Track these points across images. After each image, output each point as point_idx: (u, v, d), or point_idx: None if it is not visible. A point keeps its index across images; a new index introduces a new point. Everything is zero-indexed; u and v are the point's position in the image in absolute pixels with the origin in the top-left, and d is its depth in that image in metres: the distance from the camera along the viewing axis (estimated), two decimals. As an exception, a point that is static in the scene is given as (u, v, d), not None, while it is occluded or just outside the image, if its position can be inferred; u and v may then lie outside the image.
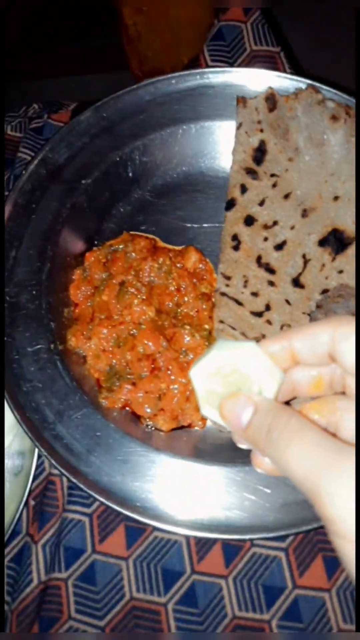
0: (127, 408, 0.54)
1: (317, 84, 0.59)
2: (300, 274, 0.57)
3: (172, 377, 0.53)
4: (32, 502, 0.55)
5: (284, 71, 0.69)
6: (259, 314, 0.55)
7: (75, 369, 0.53)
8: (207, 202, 0.64)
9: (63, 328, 0.55)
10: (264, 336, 0.54)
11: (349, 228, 0.57)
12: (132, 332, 0.55)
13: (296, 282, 0.57)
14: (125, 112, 0.62)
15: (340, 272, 0.56)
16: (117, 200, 0.64)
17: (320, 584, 0.51)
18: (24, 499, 0.54)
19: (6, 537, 0.53)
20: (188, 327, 0.56)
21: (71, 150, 0.61)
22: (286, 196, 0.59)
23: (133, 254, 0.59)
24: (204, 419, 0.54)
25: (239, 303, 0.56)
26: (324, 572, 0.51)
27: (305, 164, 0.59)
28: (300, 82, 0.60)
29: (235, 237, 0.58)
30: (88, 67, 1.67)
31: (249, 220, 0.59)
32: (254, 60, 0.70)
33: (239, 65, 0.69)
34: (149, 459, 0.48)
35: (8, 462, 0.58)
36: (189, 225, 0.64)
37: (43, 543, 0.53)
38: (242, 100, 0.60)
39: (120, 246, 0.60)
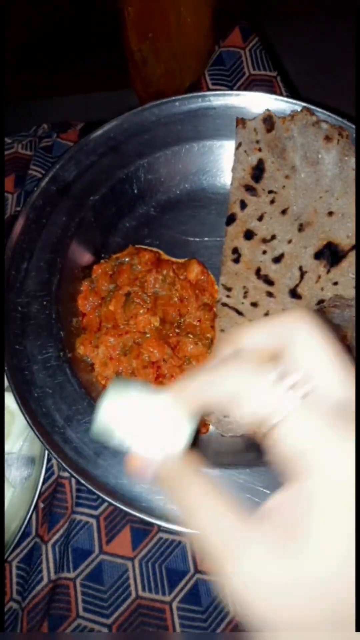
0: None
1: (311, 107, 0.63)
2: (297, 285, 0.60)
3: None
4: (41, 505, 0.58)
5: (281, 94, 0.72)
6: None
7: (83, 376, 0.56)
8: (209, 217, 0.68)
9: (72, 337, 0.58)
10: None
11: (343, 242, 0.60)
12: (137, 340, 0.58)
13: (293, 293, 0.60)
14: (130, 132, 0.66)
15: (335, 283, 0.59)
16: (123, 216, 0.67)
17: None
18: (34, 502, 0.56)
19: (16, 539, 0.55)
20: (191, 335, 0.59)
21: (80, 168, 0.64)
22: (283, 212, 0.62)
23: (138, 267, 0.62)
24: (206, 425, 0.56)
25: (240, 313, 0.58)
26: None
27: (301, 181, 0.62)
28: (296, 105, 0.63)
29: (235, 251, 0.61)
30: (91, 85, 1.72)
31: (249, 235, 0.62)
32: (252, 84, 0.73)
33: (238, 89, 0.73)
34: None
35: (18, 467, 0.60)
36: (191, 239, 0.67)
37: (53, 543, 0.55)
38: (241, 121, 0.63)
39: (126, 259, 0.63)
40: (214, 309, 0.61)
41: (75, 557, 0.55)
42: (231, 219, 0.62)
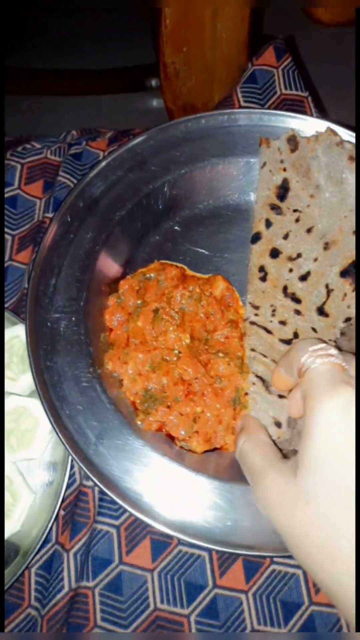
0: (162, 430, 0.56)
1: (335, 126, 0.64)
2: (324, 303, 0.61)
3: (208, 402, 0.56)
4: (62, 512, 0.58)
5: (310, 115, 0.73)
6: (287, 342, 0.59)
7: (113, 392, 0.56)
8: (232, 233, 0.68)
9: (100, 352, 0.58)
10: None
11: None
12: (166, 357, 0.58)
13: (321, 311, 0.61)
14: (157, 148, 0.66)
15: None
16: (148, 231, 0.67)
17: None
18: (57, 508, 0.56)
19: (38, 546, 0.55)
20: (222, 354, 0.59)
21: (106, 184, 0.64)
22: (309, 230, 0.63)
23: (164, 282, 0.62)
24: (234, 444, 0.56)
25: (268, 331, 0.59)
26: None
27: (326, 200, 0.63)
28: (319, 125, 0.65)
29: (262, 269, 0.62)
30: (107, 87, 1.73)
31: (275, 253, 0.63)
32: (283, 103, 0.74)
33: (269, 108, 0.74)
34: (180, 478, 0.51)
35: (40, 473, 0.61)
36: (214, 255, 0.67)
37: (74, 552, 0.56)
38: (265, 141, 0.64)
39: (152, 274, 0.63)
40: (240, 326, 0.61)
41: (94, 567, 0.55)
42: (257, 238, 0.63)
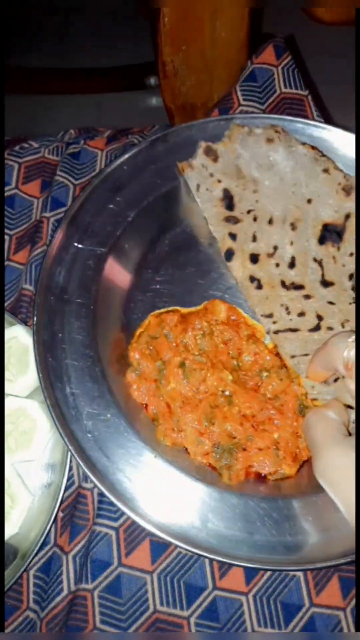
0: (250, 474, 0.54)
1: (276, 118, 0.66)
2: (323, 275, 0.61)
3: (278, 423, 0.55)
4: (61, 514, 0.58)
5: (311, 114, 0.73)
6: (316, 328, 0.58)
7: (184, 464, 0.54)
8: (199, 256, 0.64)
9: (150, 433, 0.55)
10: None
11: (334, 218, 0.62)
12: (213, 404, 0.55)
13: (325, 283, 0.60)
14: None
15: (351, 254, 0.61)
16: (128, 293, 0.62)
17: (336, 602, 0.54)
18: (55, 510, 0.56)
19: (36, 548, 0.55)
20: (265, 373, 0.57)
21: (69, 274, 0.59)
22: (270, 222, 0.63)
23: (171, 333, 0.59)
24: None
25: (294, 330, 0.58)
26: (339, 592, 0.54)
27: (268, 188, 0.64)
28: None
29: (252, 278, 0.61)
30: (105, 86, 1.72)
31: (254, 258, 0.62)
32: (283, 102, 0.74)
33: (269, 106, 0.74)
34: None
35: (39, 474, 0.60)
36: (195, 283, 0.63)
37: (74, 554, 0.55)
38: (185, 165, 0.64)
39: (156, 332, 0.60)
40: (259, 338, 0.60)
41: (94, 569, 0.55)
42: (230, 254, 0.62)
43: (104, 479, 0.51)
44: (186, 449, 0.55)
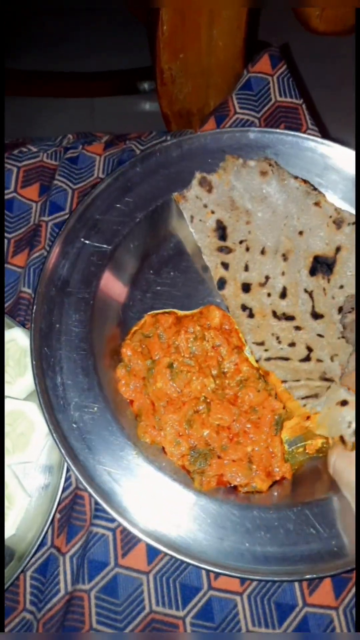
0: (223, 484, 0.55)
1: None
2: (313, 307, 0.62)
3: (253, 437, 0.56)
4: (58, 516, 0.58)
5: (305, 122, 0.74)
6: (306, 359, 0.60)
7: (162, 464, 0.55)
8: (202, 262, 0.65)
9: (134, 431, 0.57)
10: (325, 376, 0.59)
11: (325, 250, 0.63)
12: (196, 409, 0.56)
13: (315, 315, 0.62)
14: (107, 205, 0.64)
15: (341, 287, 0.62)
16: (127, 291, 0.64)
17: (328, 602, 0.55)
18: (52, 512, 0.57)
19: (33, 549, 0.55)
20: (242, 384, 0.59)
21: (70, 261, 0.61)
22: (262, 252, 0.64)
23: (164, 334, 0.60)
24: (290, 470, 0.56)
25: (285, 359, 0.60)
26: (332, 592, 0.55)
27: (261, 219, 0.65)
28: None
29: (244, 307, 0.63)
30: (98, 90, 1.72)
31: (246, 288, 0.63)
32: (278, 110, 0.75)
33: (265, 114, 0.75)
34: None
35: (36, 475, 0.61)
36: (196, 288, 0.65)
37: (71, 555, 0.56)
38: (180, 197, 0.65)
39: (150, 331, 0.61)
40: (244, 352, 0.61)
41: (90, 570, 0.56)
42: (222, 283, 0.63)
43: (83, 470, 0.52)
44: (164, 448, 0.56)
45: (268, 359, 0.60)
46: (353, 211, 0.65)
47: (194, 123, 0.67)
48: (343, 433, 0.54)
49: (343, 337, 0.60)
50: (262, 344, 0.61)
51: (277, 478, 0.55)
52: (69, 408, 0.55)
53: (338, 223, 0.64)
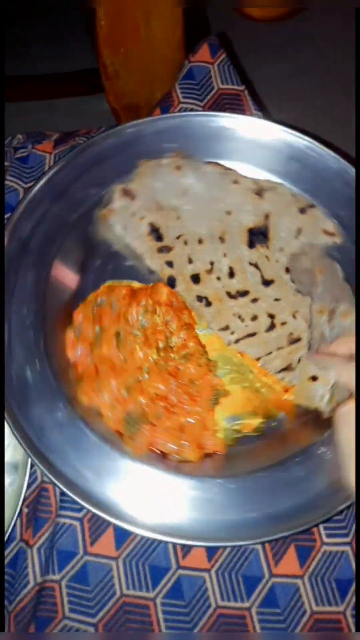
0: (154, 450, 0.57)
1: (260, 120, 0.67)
2: (262, 276, 0.64)
3: (188, 409, 0.58)
4: (25, 510, 0.59)
5: (249, 108, 0.76)
6: (271, 327, 0.62)
7: (96, 426, 0.56)
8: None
9: (72, 389, 0.58)
10: (293, 337, 0.62)
11: (255, 221, 0.65)
12: (138, 377, 0.58)
13: (266, 283, 0.63)
14: (75, 174, 0.65)
15: (281, 249, 0.64)
16: (87, 258, 0.65)
17: (293, 571, 0.56)
18: (19, 508, 0.57)
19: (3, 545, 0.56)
20: (187, 359, 0.60)
21: (33, 221, 0.62)
22: (200, 241, 0.65)
23: (117, 304, 0.62)
24: (222, 445, 0.58)
25: (252, 334, 0.62)
26: (297, 561, 0.57)
27: (189, 212, 0.66)
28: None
29: (199, 298, 0.64)
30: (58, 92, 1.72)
31: (195, 279, 0.65)
32: (221, 98, 0.76)
33: (208, 102, 0.76)
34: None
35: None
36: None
37: (38, 547, 0.57)
38: (106, 212, 0.65)
39: (103, 298, 0.62)
40: (194, 330, 0.63)
41: (60, 559, 0.56)
42: (172, 280, 0.65)
43: (17, 422, 0.54)
44: (100, 413, 0.57)
45: (237, 341, 0.61)
46: (268, 176, 0.66)
47: (142, 116, 0.68)
48: (318, 406, 0.57)
49: (298, 292, 0.62)
50: (227, 328, 0.62)
51: (209, 451, 0.57)
52: (12, 360, 0.56)
53: (259, 193, 0.65)
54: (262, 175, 0.66)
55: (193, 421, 0.57)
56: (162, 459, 0.56)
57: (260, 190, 0.65)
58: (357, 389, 0.47)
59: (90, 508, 0.52)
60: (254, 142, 0.67)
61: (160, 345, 0.60)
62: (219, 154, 0.67)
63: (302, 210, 0.65)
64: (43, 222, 0.63)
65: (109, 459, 0.54)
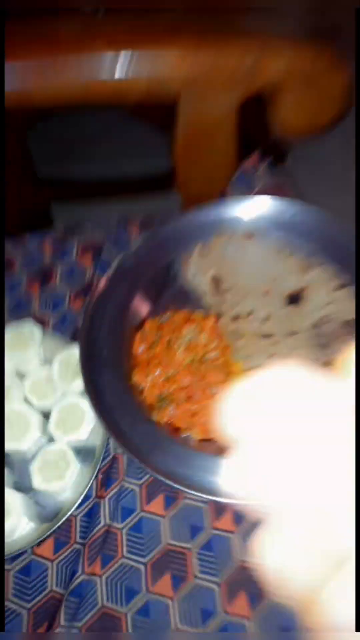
0: (171, 424, 0.77)
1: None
2: (289, 327, 0.84)
3: (202, 402, 0.79)
4: (100, 476, 0.79)
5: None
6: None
7: (138, 398, 0.78)
8: None
9: (129, 371, 0.81)
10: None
11: (294, 290, 0.84)
12: (174, 372, 0.80)
13: (291, 334, 0.84)
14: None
15: (312, 312, 0.83)
16: (164, 289, 0.90)
17: (229, 527, 0.73)
18: (96, 471, 0.78)
19: (80, 499, 0.76)
20: (214, 368, 0.82)
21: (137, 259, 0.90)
22: (247, 293, 0.87)
23: (175, 322, 0.86)
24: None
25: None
26: (233, 519, 0.73)
27: (245, 271, 0.88)
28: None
29: (235, 332, 0.85)
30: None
31: (236, 317, 0.86)
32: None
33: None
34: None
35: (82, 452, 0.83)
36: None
37: (108, 499, 0.77)
38: (185, 261, 0.90)
39: (168, 316, 0.87)
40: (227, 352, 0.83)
41: (123, 513, 0.75)
42: (219, 316, 0.86)
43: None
44: (142, 390, 0.78)
45: (252, 368, 0.80)
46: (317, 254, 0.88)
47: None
48: None
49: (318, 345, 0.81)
50: (248, 357, 0.83)
51: (211, 437, 0.74)
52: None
53: (304, 268, 0.87)
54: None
55: (205, 412, 0.76)
56: (174, 432, 0.75)
57: (306, 266, 0.86)
58: (357, 406, 0.64)
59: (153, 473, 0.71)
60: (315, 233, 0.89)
61: (198, 356, 0.82)
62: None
63: (337, 288, 0.84)
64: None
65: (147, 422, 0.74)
